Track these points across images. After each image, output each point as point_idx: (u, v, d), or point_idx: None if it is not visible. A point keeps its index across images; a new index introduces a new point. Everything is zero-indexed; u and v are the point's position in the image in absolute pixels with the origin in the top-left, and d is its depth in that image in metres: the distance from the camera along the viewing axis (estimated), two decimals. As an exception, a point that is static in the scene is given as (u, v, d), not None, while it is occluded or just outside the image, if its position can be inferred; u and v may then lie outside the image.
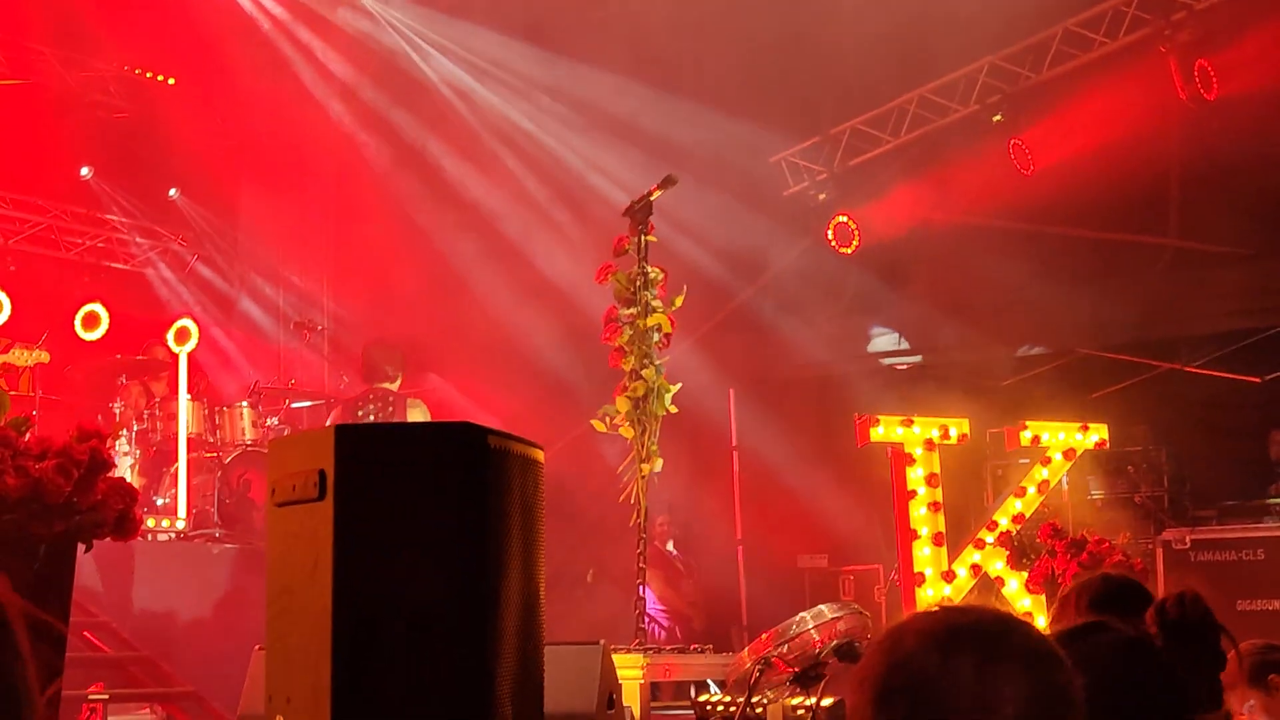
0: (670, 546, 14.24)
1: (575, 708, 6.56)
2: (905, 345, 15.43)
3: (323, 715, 3.96)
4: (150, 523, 11.66)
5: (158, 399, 12.95)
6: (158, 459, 12.66)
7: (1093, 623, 3.12)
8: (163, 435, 12.66)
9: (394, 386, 12.17)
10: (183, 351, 12.47)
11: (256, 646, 6.51)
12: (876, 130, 14.61)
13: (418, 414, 12.01)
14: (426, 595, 4.03)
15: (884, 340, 15.36)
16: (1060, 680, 2.07)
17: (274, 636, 4.29)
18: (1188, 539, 12.63)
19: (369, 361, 12.27)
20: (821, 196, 14.97)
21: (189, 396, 12.54)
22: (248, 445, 12.89)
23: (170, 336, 12.61)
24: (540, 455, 4.49)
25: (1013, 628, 2.09)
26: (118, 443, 12.20)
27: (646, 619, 9.24)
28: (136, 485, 11.24)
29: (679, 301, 8.88)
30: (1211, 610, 3.08)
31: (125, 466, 12.10)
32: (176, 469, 12.25)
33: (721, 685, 9.13)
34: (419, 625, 4.01)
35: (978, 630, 2.06)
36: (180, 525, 12.03)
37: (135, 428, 12.54)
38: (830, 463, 13.72)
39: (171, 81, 16.04)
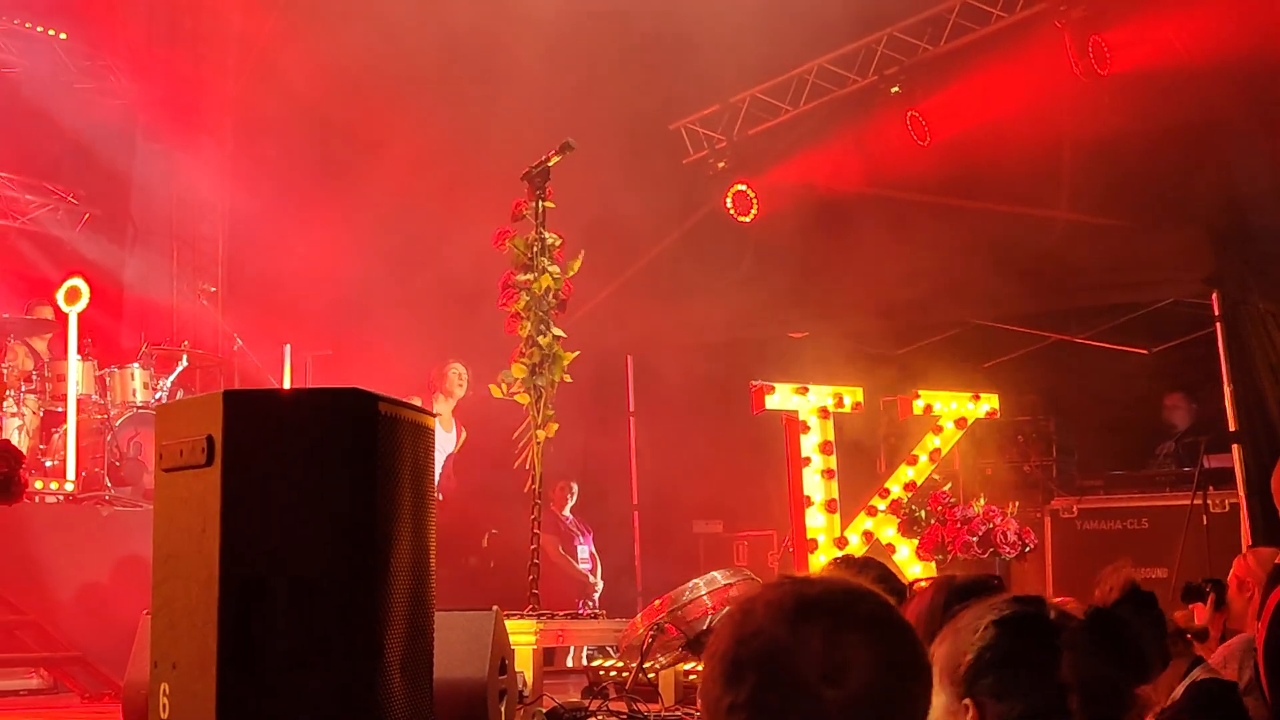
0: (568, 512, 14.26)
1: (467, 673, 6.59)
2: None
3: (208, 683, 3.94)
4: (38, 485, 11.49)
5: (46, 360, 12.73)
6: (46, 421, 12.46)
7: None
8: (51, 396, 12.45)
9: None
10: (73, 311, 12.28)
11: (144, 612, 6.46)
12: (776, 99, 14.65)
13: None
14: (315, 562, 4.02)
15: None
16: (907, 649, 2.08)
17: (160, 602, 4.27)
18: (1075, 508, 12.86)
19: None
20: (721, 164, 15.00)
21: (79, 357, 12.35)
22: (138, 407, 12.72)
23: (60, 296, 12.41)
24: (432, 422, 4.49)
25: (861, 597, 2.09)
26: (4, 404, 12.01)
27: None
28: (24, 448, 11.14)
29: (576, 266, 8.89)
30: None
31: (12, 428, 11.90)
32: (65, 431, 12.07)
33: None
34: (307, 592, 4.00)
35: (826, 601, 2.06)
36: (69, 488, 11.86)
37: (23, 389, 12.32)
38: (727, 429, 13.78)
39: (63, 36, 15.71)
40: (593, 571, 14.10)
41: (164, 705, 4.13)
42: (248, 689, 3.94)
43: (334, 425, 4.11)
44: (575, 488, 14.19)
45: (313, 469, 4.07)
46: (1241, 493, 11.69)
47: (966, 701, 2.52)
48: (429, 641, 4.47)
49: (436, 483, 12.55)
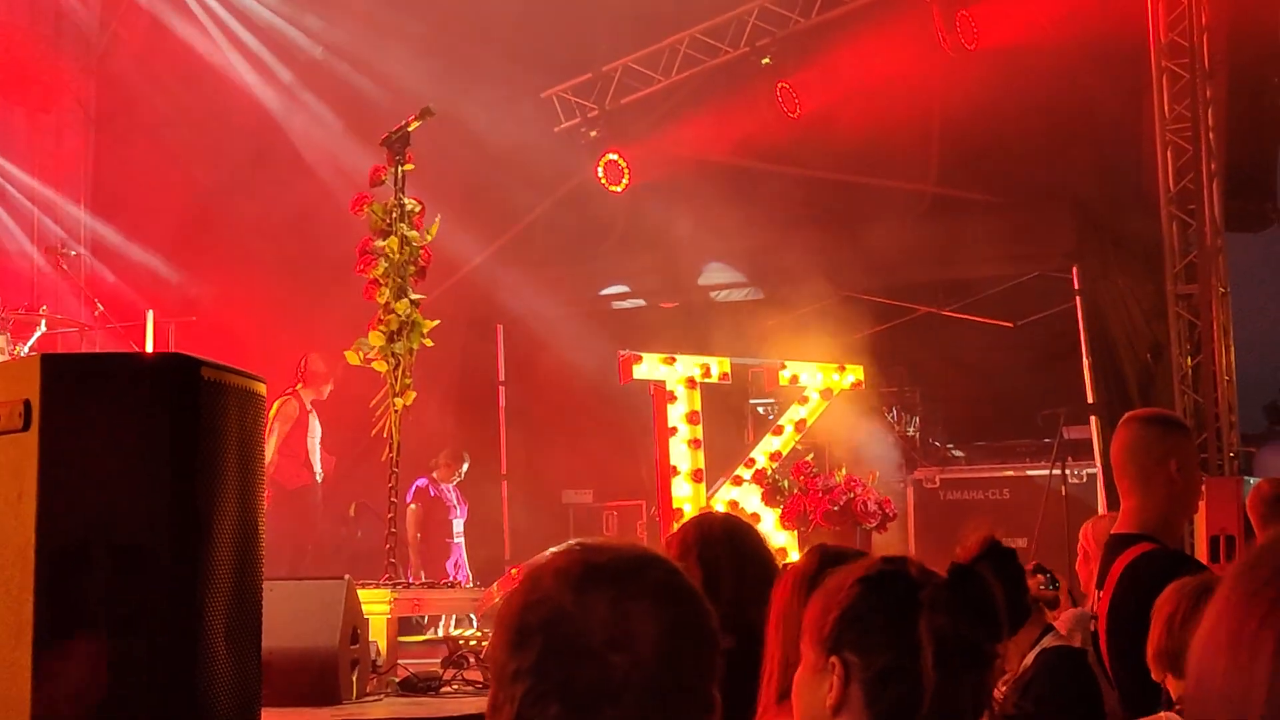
0: (453, 485, 14.14)
1: (318, 642, 6.54)
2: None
3: (24, 654, 3.85)
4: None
5: (-102, 326, 12.39)
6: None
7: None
8: (-97, 362, 12.14)
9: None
10: (-73, 276, 11.99)
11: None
12: (648, 69, 14.62)
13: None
14: (134, 529, 3.94)
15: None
16: (694, 616, 2.07)
17: (-24, 573, 4.16)
18: (937, 478, 13.04)
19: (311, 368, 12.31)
20: (593, 133, 14.93)
21: (-68, 323, 12.04)
22: (-6, 374, 12.40)
23: (-86, 260, 12.10)
24: (262, 388, 4.41)
25: (648, 564, 2.08)
26: None
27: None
28: None
29: (433, 232, 8.79)
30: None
31: None
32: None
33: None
34: (126, 560, 3.92)
35: (613, 568, 2.05)
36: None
37: (-127, 355, 11.98)
38: (597, 399, 13.77)
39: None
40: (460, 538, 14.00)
41: (-20, 676, 4.03)
42: (64, 659, 3.86)
43: (155, 389, 4.02)
44: (467, 459, 13.92)
45: (133, 434, 3.98)
46: (1099, 463, 11.94)
47: (832, 660, 2.53)
48: (256, 609, 4.40)
49: (318, 463, 12.46)
